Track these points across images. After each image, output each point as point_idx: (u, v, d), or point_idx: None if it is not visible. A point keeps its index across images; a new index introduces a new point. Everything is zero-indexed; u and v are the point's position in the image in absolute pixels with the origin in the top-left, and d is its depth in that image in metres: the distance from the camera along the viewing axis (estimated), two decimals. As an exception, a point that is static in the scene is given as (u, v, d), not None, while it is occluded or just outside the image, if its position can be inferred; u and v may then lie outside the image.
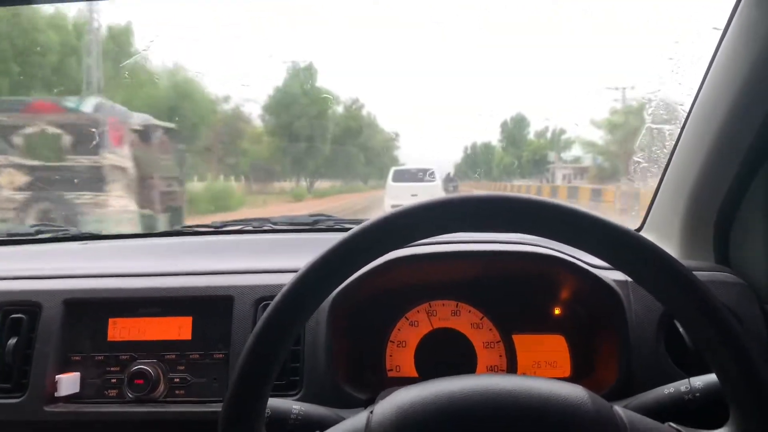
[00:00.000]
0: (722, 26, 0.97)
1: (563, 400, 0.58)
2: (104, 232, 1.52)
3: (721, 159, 1.03)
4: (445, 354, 1.08)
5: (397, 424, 0.57)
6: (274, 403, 0.74)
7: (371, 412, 0.61)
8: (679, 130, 1.14)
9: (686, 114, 1.10)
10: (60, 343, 1.02)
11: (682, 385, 0.75)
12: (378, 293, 1.09)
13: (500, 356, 1.07)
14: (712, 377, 0.74)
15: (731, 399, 0.59)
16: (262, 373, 0.59)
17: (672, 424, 0.60)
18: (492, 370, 1.07)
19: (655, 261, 0.58)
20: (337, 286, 0.61)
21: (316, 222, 1.45)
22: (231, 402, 0.59)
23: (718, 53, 1.00)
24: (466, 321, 1.09)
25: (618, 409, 0.60)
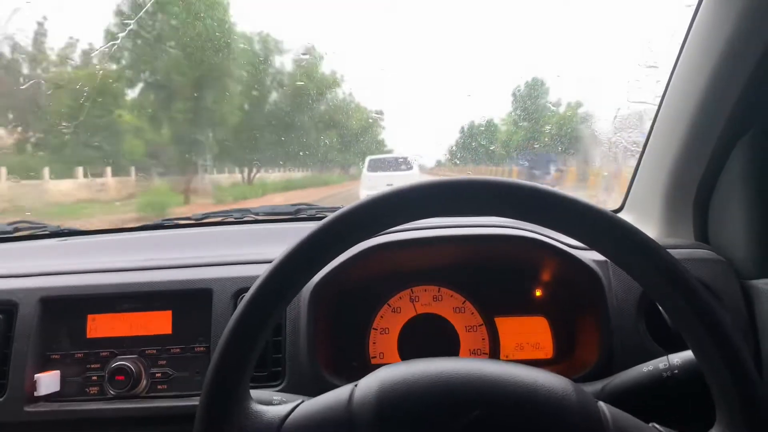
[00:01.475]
0: (695, 1, 0.96)
1: (547, 391, 0.57)
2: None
3: (698, 137, 1.03)
4: (427, 339, 1.08)
5: (379, 399, 0.57)
6: (254, 394, 0.74)
7: (355, 386, 0.61)
8: (656, 109, 1.14)
9: (663, 93, 1.10)
10: (38, 342, 1.01)
11: (660, 363, 0.75)
12: (360, 281, 1.08)
13: (483, 339, 1.08)
14: (690, 353, 0.74)
15: (711, 384, 0.58)
16: (239, 364, 0.58)
17: (656, 425, 0.60)
18: (475, 353, 1.07)
19: (631, 241, 0.57)
20: (314, 274, 0.60)
21: (298, 211, 1.44)
22: (209, 393, 0.58)
23: (691, 31, 0.99)
24: (448, 305, 1.09)
25: (603, 405, 0.59)
